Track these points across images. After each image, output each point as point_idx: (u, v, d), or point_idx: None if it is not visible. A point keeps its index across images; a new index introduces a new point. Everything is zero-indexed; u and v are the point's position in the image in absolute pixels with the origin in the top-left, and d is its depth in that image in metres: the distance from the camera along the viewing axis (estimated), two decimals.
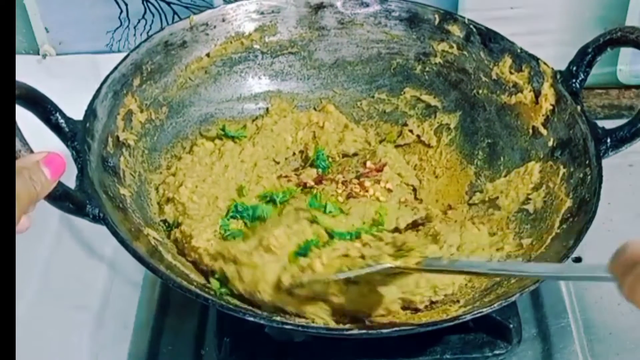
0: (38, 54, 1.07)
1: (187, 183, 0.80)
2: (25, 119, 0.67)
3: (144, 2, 1.03)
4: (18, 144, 0.64)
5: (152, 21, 1.05)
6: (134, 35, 1.06)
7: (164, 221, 0.79)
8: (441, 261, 0.69)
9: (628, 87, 1.07)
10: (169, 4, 1.03)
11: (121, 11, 1.04)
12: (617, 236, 0.87)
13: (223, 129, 0.87)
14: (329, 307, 0.70)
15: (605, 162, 0.74)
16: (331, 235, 0.76)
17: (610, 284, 0.80)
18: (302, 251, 0.72)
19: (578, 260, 0.86)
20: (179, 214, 0.78)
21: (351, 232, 0.76)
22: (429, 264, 0.67)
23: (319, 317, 0.70)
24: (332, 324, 0.70)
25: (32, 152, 0.64)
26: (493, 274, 0.71)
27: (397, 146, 0.91)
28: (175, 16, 1.03)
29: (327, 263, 0.70)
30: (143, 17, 1.04)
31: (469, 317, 0.65)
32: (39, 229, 0.86)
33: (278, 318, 0.68)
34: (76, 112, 0.73)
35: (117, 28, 1.05)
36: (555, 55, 0.81)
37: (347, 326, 0.69)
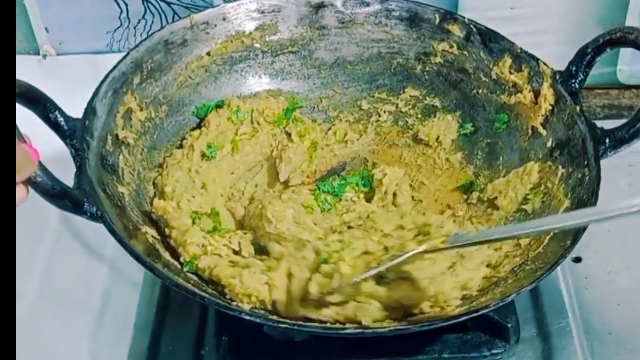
0: (38, 54, 1.07)
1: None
2: (24, 117, 0.67)
3: (144, 2, 1.03)
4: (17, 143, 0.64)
5: (152, 21, 1.05)
6: (134, 35, 1.06)
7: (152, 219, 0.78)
8: (467, 235, 0.68)
9: (628, 87, 1.07)
10: (169, 4, 1.03)
11: (121, 11, 1.04)
12: (617, 236, 0.87)
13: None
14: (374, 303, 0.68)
15: (604, 163, 0.74)
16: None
17: (611, 285, 0.82)
18: (323, 259, 0.71)
19: (578, 260, 0.86)
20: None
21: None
22: (455, 240, 0.66)
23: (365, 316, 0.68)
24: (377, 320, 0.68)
25: None
26: (522, 233, 0.69)
27: (393, 144, 0.91)
28: (176, 16, 1.04)
29: (352, 264, 0.68)
30: (143, 17, 1.05)
31: (465, 317, 0.65)
32: (39, 229, 0.87)
33: (274, 317, 0.68)
34: (76, 112, 0.73)
35: (117, 28, 1.06)
36: (555, 55, 0.81)
37: (343, 325, 0.68)
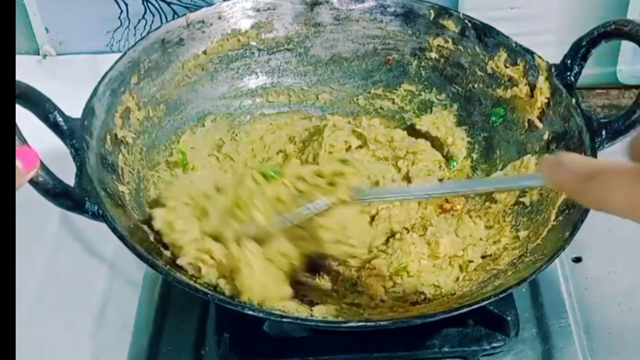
0: (38, 54, 1.08)
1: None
2: (24, 117, 0.68)
3: (144, 2, 1.04)
4: (17, 142, 0.64)
5: (152, 21, 1.06)
6: (134, 35, 1.07)
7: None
8: (369, 191, 0.72)
9: (628, 87, 1.07)
10: (169, 4, 1.04)
11: (121, 11, 1.05)
12: (617, 236, 0.87)
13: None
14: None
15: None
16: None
17: (611, 285, 0.82)
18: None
19: (578, 260, 0.86)
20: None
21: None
22: (360, 195, 0.69)
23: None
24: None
25: None
26: (426, 196, 0.73)
27: None
28: (175, 16, 1.04)
29: (263, 210, 0.70)
30: (143, 17, 1.05)
31: (466, 308, 0.65)
32: (39, 229, 0.87)
33: (277, 312, 0.68)
34: (77, 112, 0.73)
35: (117, 28, 1.06)
36: (555, 55, 0.81)
37: (346, 319, 0.69)
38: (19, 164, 0.58)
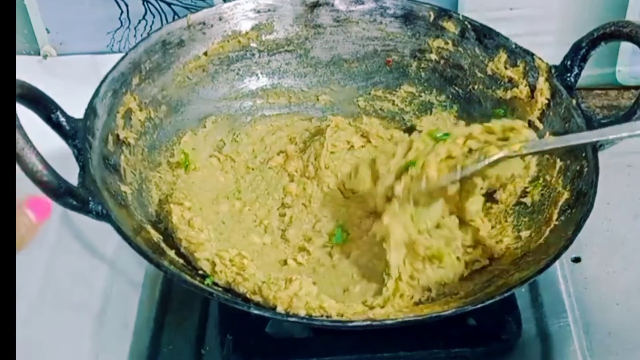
0: (39, 55, 1.08)
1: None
2: (27, 117, 0.67)
3: (145, 3, 1.04)
4: (21, 142, 0.64)
5: (153, 22, 1.06)
6: (135, 36, 1.07)
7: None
8: (545, 140, 0.74)
9: (627, 87, 1.07)
10: (169, 4, 1.04)
11: (122, 12, 1.05)
12: (615, 236, 0.87)
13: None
14: None
15: (603, 163, 0.74)
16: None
17: (610, 285, 0.82)
18: (411, 163, 0.72)
19: (577, 260, 0.86)
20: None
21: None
22: (533, 145, 0.70)
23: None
24: None
25: (35, 150, 0.65)
26: (603, 139, 0.71)
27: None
28: (176, 17, 1.04)
29: (437, 168, 0.70)
30: (143, 17, 1.05)
31: (470, 307, 0.65)
32: (39, 229, 0.87)
33: (282, 311, 0.68)
34: (77, 112, 0.73)
35: (118, 29, 1.06)
36: (555, 56, 0.82)
37: (350, 318, 0.69)
38: (31, 215, 0.57)
